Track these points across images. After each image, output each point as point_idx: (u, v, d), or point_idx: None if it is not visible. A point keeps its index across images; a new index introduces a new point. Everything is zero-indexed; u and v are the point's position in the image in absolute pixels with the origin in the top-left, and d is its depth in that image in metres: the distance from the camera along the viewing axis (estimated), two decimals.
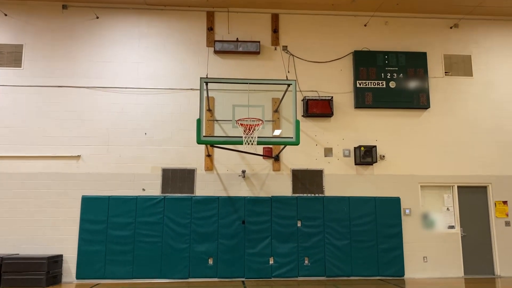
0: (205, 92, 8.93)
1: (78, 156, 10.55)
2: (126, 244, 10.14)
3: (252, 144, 8.29)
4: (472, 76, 11.65)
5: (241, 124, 8.27)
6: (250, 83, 8.65)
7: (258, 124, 8.32)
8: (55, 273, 9.67)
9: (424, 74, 11.40)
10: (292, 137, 8.49)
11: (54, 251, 10.01)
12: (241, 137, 8.33)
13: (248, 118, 8.21)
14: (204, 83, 8.68)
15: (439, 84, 11.54)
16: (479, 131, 11.38)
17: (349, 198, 10.75)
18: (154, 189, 10.55)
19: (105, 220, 10.23)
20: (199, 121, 8.30)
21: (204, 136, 8.38)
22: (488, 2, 11.21)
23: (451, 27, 11.84)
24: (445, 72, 11.61)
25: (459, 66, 11.69)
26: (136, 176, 10.57)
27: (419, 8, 11.59)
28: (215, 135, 10.56)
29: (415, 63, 11.45)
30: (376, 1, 11.15)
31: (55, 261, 9.72)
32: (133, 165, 10.61)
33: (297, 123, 8.47)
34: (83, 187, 10.41)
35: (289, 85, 8.75)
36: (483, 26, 11.93)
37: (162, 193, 10.53)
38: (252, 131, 8.27)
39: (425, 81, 11.37)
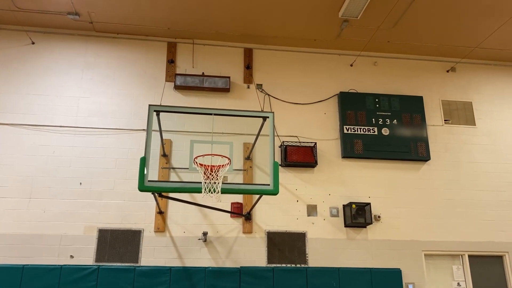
0: (156, 126, 6.90)
1: None
2: None
3: (215, 192, 6.11)
4: (475, 125, 10.05)
5: (200, 164, 6.11)
6: (215, 114, 6.63)
7: (223, 165, 6.20)
8: None
9: (421, 121, 9.73)
10: (269, 184, 6.38)
11: None
12: (200, 182, 6.17)
13: (211, 154, 6.08)
14: (155, 114, 6.68)
15: (439, 133, 9.86)
16: (489, 188, 9.54)
17: (339, 269, 8.46)
18: (86, 256, 8.01)
19: None
20: (143, 160, 6.13)
21: (149, 181, 6.17)
22: (487, 43, 9.94)
23: (447, 71, 10.44)
24: (445, 120, 9.98)
25: (460, 113, 10.12)
26: (63, 238, 8.06)
27: (410, 49, 10.22)
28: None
29: (411, 108, 9.82)
30: (363, 38, 9.73)
31: None
32: (60, 224, 8.13)
33: (275, 165, 6.41)
34: None
35: (264, 118, 6.78)
36: (483, 71, 10.57)
37: (96, 261, 7.99)
38: (216, 175, 6.12)
39: (423, 129, 9.68)
